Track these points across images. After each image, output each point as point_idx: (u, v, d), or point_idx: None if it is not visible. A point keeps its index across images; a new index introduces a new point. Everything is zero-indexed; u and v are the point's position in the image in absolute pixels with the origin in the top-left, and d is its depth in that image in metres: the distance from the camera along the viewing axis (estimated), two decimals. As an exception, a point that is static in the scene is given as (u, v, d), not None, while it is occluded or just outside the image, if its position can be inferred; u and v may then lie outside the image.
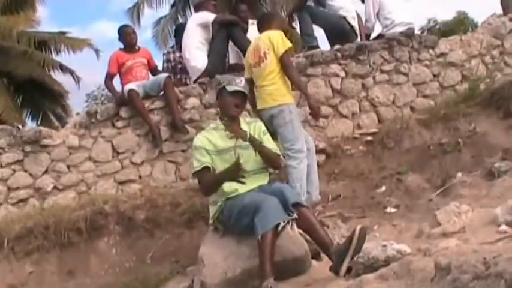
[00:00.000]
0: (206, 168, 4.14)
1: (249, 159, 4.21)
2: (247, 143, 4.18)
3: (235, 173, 3.97)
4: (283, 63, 5.36)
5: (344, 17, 7.42)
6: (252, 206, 3.84)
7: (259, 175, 4.28)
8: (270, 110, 5.31)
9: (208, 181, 4.18)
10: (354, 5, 7.75)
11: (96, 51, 18.96)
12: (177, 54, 7.98)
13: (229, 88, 4.30)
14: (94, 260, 5.56)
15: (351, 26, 7.46)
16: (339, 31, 7.36)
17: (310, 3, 7.67)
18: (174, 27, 11.34)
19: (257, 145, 4.19)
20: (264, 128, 4.46)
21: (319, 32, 7.65)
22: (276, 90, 5.34)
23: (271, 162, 4.35)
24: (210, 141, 4.22)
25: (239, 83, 4.36)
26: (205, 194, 4.41)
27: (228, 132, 4.18)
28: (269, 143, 4.36)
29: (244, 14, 7.87)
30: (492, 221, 4.46)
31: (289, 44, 5.41)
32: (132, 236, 5.69)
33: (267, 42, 5.44)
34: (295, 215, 3.84)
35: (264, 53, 5.45)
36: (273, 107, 5.30)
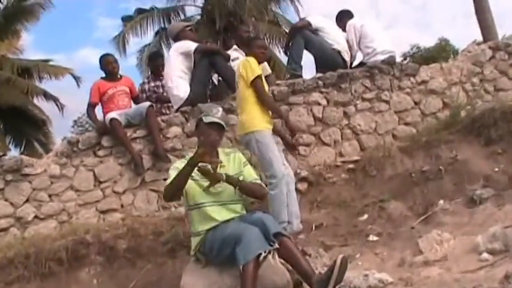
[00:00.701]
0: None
1: (227, 188, 4.22)
2: (224, 173, 4.15)
3: (197, 157, 3.89)
4: (254, 89, 5.44)
5: (339, 52, 7.47)
6: (233, 236, 3.83)
7: (234, 206, 4.27)
8: (242, 138, 5.49)
9: (171, 184, 4.07)
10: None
11: (77, 79, 19.06)
12: (152, 84, 8.03)
13: (206, 119, 4.25)
14: (76, 290, 5.49)
15: (344, 61, 7.50)
16: (331, 64, 7.37)
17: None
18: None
19: (236, 183, 4.18)
20: (243, 159, 4.45)
21: (307, 57, 7.66)
22: (245, 119, 5.46)
23: (254, 195, 4.38)
24: None
25: (216, 114, 4.28)
26: (166, 197, 4.23)
27: (205, 165, 4.03)
28: (250, 174, 4.35)
29: (247, 35, 7.78)
30: (474, 249, 4.50)
31: (257, 72, 5.45)
32: (114, 266, 5.60)
33: (238, 71, 5.55)
34: (276, 245, 3.84)
35: (236, 82, 5.59)
36: (244, 135, 5.45)
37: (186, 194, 4.16)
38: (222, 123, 4.27)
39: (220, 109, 4.39)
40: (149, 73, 8.63)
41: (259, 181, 4.38)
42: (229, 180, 4.13)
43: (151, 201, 6.45)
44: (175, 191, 4.07)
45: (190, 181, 4.10)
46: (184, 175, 3.97)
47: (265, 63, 7.66)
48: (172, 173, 4.12)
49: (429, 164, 6.50)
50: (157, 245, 5.70)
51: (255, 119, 5.42)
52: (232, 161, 4.36)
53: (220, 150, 4.40)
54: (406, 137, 7.14)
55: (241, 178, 4.27)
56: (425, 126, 7.33)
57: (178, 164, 4.21)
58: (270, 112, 5.59)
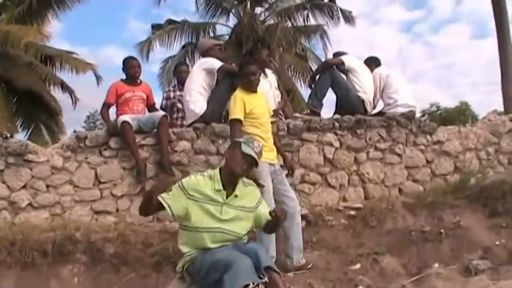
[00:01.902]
0: (161, 204, 4.01)
1: (233, 220, 4.12)
2: (234, 203, 4.14)
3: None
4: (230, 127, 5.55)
5: (363, 100, 7.44)
6: (224, 262, 3.77)
7: (238, 239, 4.18)
8: None
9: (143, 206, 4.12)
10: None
11: (98, 78, 19.06)
12: (178, 92, 8.08)
13: (244, 149, 4.17)
14: (54, 286, 5.42)
15: (365, 110, 7.47)
16: (352, 110, 7.32)
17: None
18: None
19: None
20: (260, 195, 4.38)
21: (329, 95, 7.59)
22: None
23: (269, 229, 4.42)
24: (199, 187, 4.07)
25: (256, 148, 4.21)
26: (141, 211, 4.21)
27: (221, 189, 4.09)
28: (265, 212, 4.29)
29: (267, 59, 7.73)
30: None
31: (236, 114, 5.45)
32: (97, 269, 5.57)
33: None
34: (266, 279, 3.77)
35: None
36: None
37: (186, 214, 4.06)
38: (257, 158, 4.20)
39: (260, 145, 4.34)
40: (176, 82, 8.64)
41: (268, 216, 4.28)
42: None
43: (147, 210, 6.38)
44: (148, 207, 4.10)
45: (194, 202, 4.04)
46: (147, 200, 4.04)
47: (272, 76, 7.65)
48: (170, 194, 4.03)
49: (431, 224, 6.47)
50: (145, 255, 5.67)
51: None
52: (250, 194, 4.27)
53: (240, 180, 4.32)
54: (412, 194, 7.10)
55: (247, 216, 4.22)
56: (433, 186, 7.30)
57: (189, 182, 4.09)
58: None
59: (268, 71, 7.56)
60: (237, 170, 4.14)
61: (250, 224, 4.25)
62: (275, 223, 4.22)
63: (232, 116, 5.47)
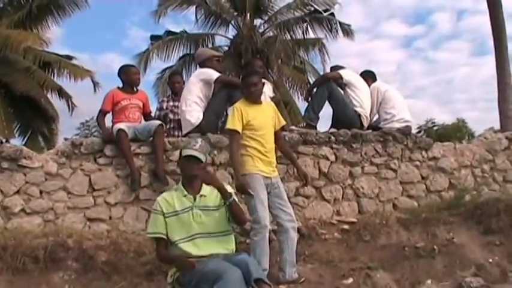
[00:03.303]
0: (161, 238, 4.25)
1: (208, 220, 4.26)
2: (204, 203, 4.29)
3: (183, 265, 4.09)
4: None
5: (359, 115, 7.41)
6: (214, 273, 3.78)
7: (222, 238, 4.29)
8: None
9: (163, 256, 4.35)
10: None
11: (96, 84, 19.12)
12: (170, 103, 8.10)
13: (184, 152, 4.38)
14: (45, 292, 5.40)
15: (361, 125, 7.45)
16: (348, 124, 7.30)
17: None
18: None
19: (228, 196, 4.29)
20: (229, 189, 4.47)
21: (325, 108, 7.58)
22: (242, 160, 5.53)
23: (240, 217, 4.37)
24: (169, 203, 4.29)
25: (194, 146, 4.36)
26: (162, 262, 4.68)
27: (186, 194, 4.30)
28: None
29: (261, 70, 7.64)
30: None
31: (233, 125, 5.49)
32: (89, 276, 5.53)
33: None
34: (255, 291, 3.78)
35: None
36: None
37: (166, 229, 4.26)
38: (199, 155, 4.31)
39: (200, 140, 4.51)
40: (170, 92, 8.65)
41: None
42: (221, 190, 4.29)
43: (140, 219, 6.37)
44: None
45: (169, 219, 4.26)
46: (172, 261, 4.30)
47: (268, 84, 7.64)
48: (152, 221, 4.34)
49: (424, 240, 6.46)
50: (137, 264, 5.65)
51: (247, 162, 5.47)
52: (215, 194, 4.37)
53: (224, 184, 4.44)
54: (407, 209, 7.10)
55: (213, 216, 4.32)
56: (427, 202, 7.30)
57: (158, 206, 4.31)
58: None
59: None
60: (186, 173, 4.37)
61: (223, 216, 4.35)
62: (231, 210, 4.31)
63: (227, 126, 5.52)
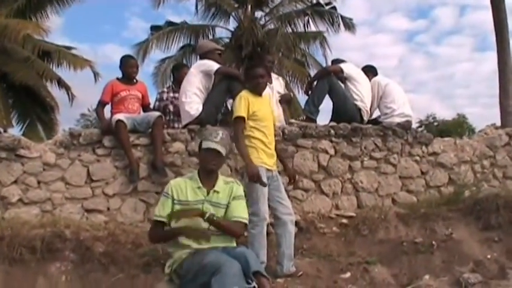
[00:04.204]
0: (160, 222, 4.21)
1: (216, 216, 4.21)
2: (216, 199, 4.24)
3: (197, 235, 4.07)
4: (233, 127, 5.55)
5: (360, 109, 7.40)
6: (213, 265, 3.77)
7: (225, 236, 4.23)
8: (240, 170, 5.62)
9: (158, 234, 4.32)
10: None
11: (96, 74, 19.04)
12: (171, 94, 8.04)
13: (204, 144, 4.29)
14: (42, 282, 5.37)
15: (362, 119, 7.43)
16: (349, 118, 7.28)
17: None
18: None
19: (215, 223, 4.17)
20: (238, 192, 4.38)
21: (325, 102, 7.55)
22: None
23: (229, 233, 4.28)
24: (181, 190, 4.25)
25: (215, 138, 4.27)
26: (151, 241, 4.67)
27: (200, 186, 4.26)
28: (235, 209, 4.30)
29: (270, 65, 7.69)
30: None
31: (240, 112, 5.47)
32: (86, 267, 5.53)
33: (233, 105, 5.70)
34: (254, 284, 3.77)
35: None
36: (241, 167, 5.58)
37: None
38: (220, 149, 4.24)
39: (221, 133, 4.35)
40: (171, 83, 8.59)
41: (241, 219, 4.31)
42: (210, 219, 4.14)
43: (138, 210, 6.39)
44: (162, 241, 4.56)
45: (178, 207, 4.20)
46: (171, 237, 4.24)
47: (279, 80, 7.79)
48: (161, 205, 4.27)
49: (423, 236, 6.47)
50: (134, 255, 5.65)
51: (251, 154, 5.44)
52: (228, 191, 4.33)
53: (221, 177, 4.40)
54: (406, 204, 7.10)
55: (221, 214, 4.26)
56: (426, 198, 7.30)
57: (170, 190, 4.26)
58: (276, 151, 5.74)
59: (273, 76, 7.60)
60: (205, 166, 4.30)
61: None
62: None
63: (236, 114, 5.49)
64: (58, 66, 19.16)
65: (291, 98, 8.84)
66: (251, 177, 5.27)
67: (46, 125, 20.22)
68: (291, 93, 17.91)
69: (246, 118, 5.49)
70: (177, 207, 4.18)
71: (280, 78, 8.13)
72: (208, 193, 4.24)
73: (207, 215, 4.10)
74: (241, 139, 5.48)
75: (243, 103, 5.49)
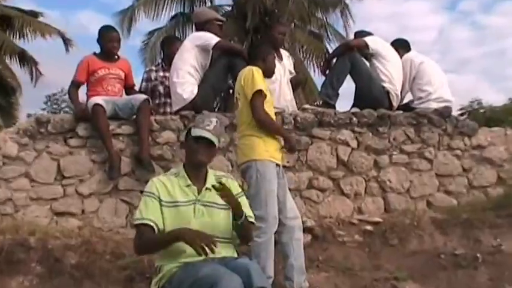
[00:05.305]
0: (148, 225, 4.03)
1: (210, 220, 4.14)
2: (211, 199, 4.15)
3: (204, 241, 3.79)
4: (251, 106, 5.40)
5: (388, 92, 7.42)
6: (209, 280, 3.74)
7: (224, 244, 4.21)
8: (240, 166, 5.48)
9: (148, 240, 4.06)
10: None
11: (68, 42, 18.95)
12: (161, 73, 8.05)
13: (194, 132, 4.20)
14: (1, 301, 5.45)
15: (391, 105, 7.46)
16: (374, 103, 7.30)
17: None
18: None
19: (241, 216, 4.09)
20: (237, 187, 4.37)
21: (347, 83, 7.56)
22: (245, 144, 5.46)
23: (246, 238, 4.30)
24: (168, 190, 4.14)
25: (207, 125, 4.19)
26: (138, 253, 4.38)
27: (189, 183, 4.15)
28: (245, 207, 4.26)
29: (282, 37, 7.64)
30: None
31: (258, 85, 5.39)
32: (55, 282, 5.55)
33: (238, 85, 5.56)
34: (257, 303, 3.79)
35: (236, 99, 5.58)
36: (242, 163, 5.44)
37: (162, 219, 4.09)
38: (213, 138, 4.17)
39: (214, 120, 4.27)
40: (161, 60, 8.61)
41: (252, 219, 4.31)
42: (237, 209, 4.06)
43: (119, 213, 6.43)
44: (152, 252, 4.27)
45: (166, 209, 4.08)
46: (165, 244, 4.00)
47: (288, 57, 7.74)
48: (143, 205, 4.07)
49: (465, 247, 6.45)
50: (114, 268, 5.67)
51: (258, 146, 5.38)
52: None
53: (211, 172, 4.34)
54: (444, 208, 7.10)
55: (218, 217, 4.18)
56: (469, 201, 7.30)
57: (154, 188, 4.13)
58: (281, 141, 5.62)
59: (284, 53, 7.57)
60: (193, 159, 4.20)
61: (228, 219, 4.18)
62: (241, 229, 4.16)
63: (256, 87, 5.37)
64: (20, 37, 19.10)
65: (305, 79, 8.85)
66: (292, 150, 5.48)
67: (4, 109, 20.16)
68: (304, 73, 17.92)
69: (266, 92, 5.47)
70: (166, 210, 4.11)
71: (289, 56, 8.07)
72: (199, 192, 4.17)
73: (243, 218, 4.07)
74: (267, 115, 5.44)
75: (260, 76, 5.46)
